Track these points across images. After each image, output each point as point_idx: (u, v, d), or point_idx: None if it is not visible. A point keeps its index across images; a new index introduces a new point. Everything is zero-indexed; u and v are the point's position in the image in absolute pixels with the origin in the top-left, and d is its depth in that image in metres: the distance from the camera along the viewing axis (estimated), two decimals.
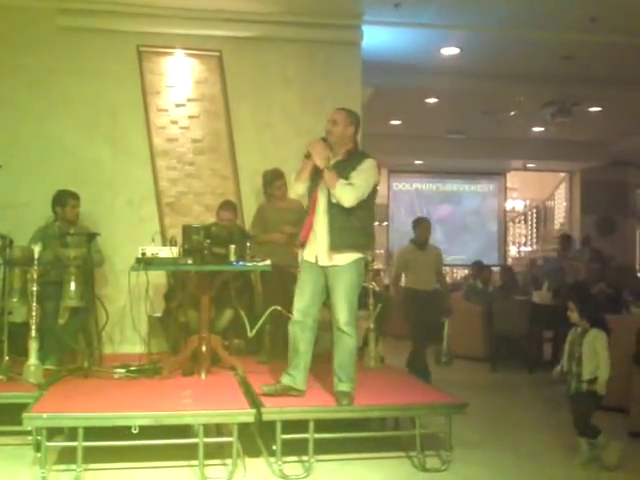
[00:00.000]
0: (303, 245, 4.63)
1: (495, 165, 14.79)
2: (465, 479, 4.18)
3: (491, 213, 15.29)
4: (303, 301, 4.52)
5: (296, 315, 4.53)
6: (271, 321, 5.71)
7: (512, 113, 10.50)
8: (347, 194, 4.33)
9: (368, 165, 4.46)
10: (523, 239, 17.24)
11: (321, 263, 4.47)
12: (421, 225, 7.15)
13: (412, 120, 11.50)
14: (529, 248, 16.88)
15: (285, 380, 4.49)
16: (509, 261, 15.34)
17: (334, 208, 4.41)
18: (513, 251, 16.83)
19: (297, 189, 4.66)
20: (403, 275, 7.25)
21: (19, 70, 6.59)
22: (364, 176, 4.41)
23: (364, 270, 4.64)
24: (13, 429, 4.27)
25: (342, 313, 4.39)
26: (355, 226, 4.42)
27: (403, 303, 6.84)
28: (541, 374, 7.58)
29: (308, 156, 4.50)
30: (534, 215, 16.94)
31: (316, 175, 4.49)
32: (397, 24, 7.31)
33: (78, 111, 6.68)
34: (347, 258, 4.41)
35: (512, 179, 15.91)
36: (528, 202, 17.49)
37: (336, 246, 4.40)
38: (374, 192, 4.54)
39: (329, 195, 4.41)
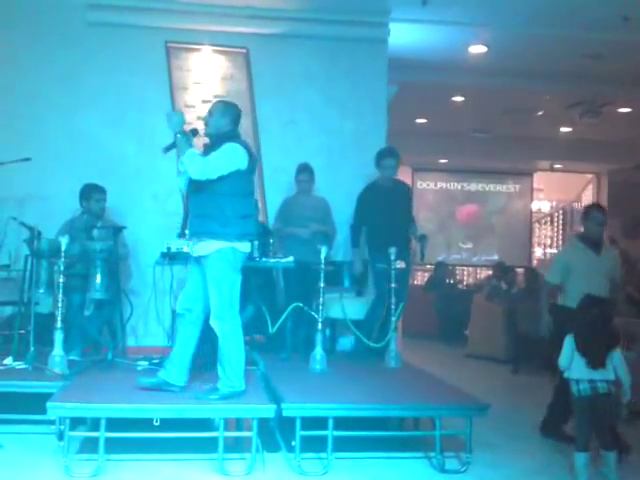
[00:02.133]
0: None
1: (521, 165, 14.65)
2: None
3: (517, 214, 15.14)
4: (185, 294, 4.49)
5: (178, 309, 4.51)
6: (292, 318, 5.74)
7: (540, 113, 10.42)
8: (194, 164, 4.21)
9: (226, 147, 4.32)
10: (549, 241, 17.06)
11: (193, 253, 4.46)
12: (593, 216, 5.09)
13: (438, 118, 11.44)
14: (555, 250, 16.71)
15: (161, 374, 4.45)
16: (534, 263, 15.21)
17: (194, 195, 4.37)
18: (538, 252, 16.67)
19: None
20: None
21: (49, 64, 6.68)
22: (218, 155, 4.29)
23: (237, 260, 4.38)
24: (37, 418, 4.34)
25: (212, 306, 4.31)
26: (211, 213, 4.28)
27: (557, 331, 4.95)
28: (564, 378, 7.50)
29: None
30: (560, 217, 16.76)
31: None
32: (424, 21, 7.29)
33: (106, 106, 6.76)
34: (209, 247, 4.30)
35: (538, 180, 15.74)
36: (554, 203, 17.30)
37: (194, 233, 4.39)
38: (242, 180, 4.37)
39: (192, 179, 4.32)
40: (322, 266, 5.32)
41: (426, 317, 10.19)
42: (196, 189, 4.35)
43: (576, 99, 9.74)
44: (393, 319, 5.64)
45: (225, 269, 4.31)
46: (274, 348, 5.92)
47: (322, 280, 5.32)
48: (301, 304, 5.64)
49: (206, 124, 4.52)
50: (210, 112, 4.52)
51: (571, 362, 4.23)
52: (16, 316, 5.42)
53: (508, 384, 7.60)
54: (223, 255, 4.30)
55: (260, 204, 6.86)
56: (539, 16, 7.12)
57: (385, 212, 6.05)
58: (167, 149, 4.45)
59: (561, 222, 16.74)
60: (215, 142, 4.43)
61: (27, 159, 5.60)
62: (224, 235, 4.29)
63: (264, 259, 5.44)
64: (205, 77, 7.02)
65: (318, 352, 5.29)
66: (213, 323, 4.34)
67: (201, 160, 4.26)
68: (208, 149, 4.43)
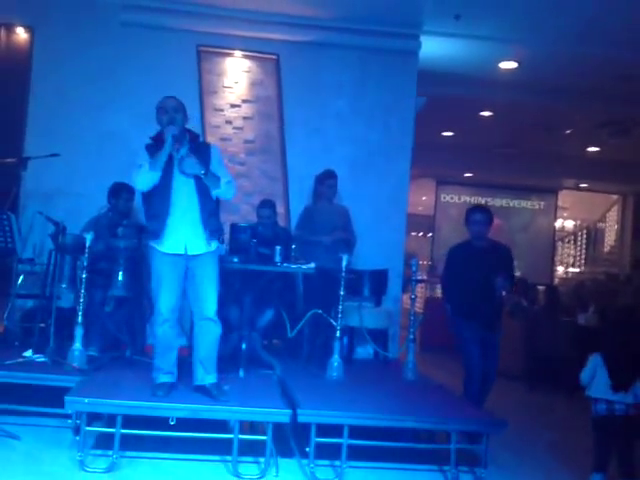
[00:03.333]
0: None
1: (547, 182, 14.57)
2: None
3: (540, 231, 15.05)
4: (173, 297, 4.40)
5: (169, 314, 4.38)
6: (311, 324, 5.75)
7: (568, 131, 10.35)
8: (233, 188, 4.55)
9: (219, 154, 4.63)
10: (571, 259, 16.94)
11: (191, 252, 4.38)
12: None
13: (465, 132, 11.42)
14: (577, 269, 16.58)
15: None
16: (555, 281, 15.09)
17: (200, 195, 4.37)
18: (560, 271, 16.54)
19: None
20: None
21: (81, 63, 6.77)
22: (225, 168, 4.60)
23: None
24: (54, 411, 4.38)
25: (212, 304, 4.36)
26: (216, 213, 4.56)
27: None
28: (580, 398, 7.43)
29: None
30: (584, 236, 16.64)
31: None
32: (456, 35, 7.29)
33: (136, 106, 6.80)
34: (213, 244, 4.46)
35: (564, 198, 15.65)
36: (579, 222, 17.19)
37: (211, 232, 4.43)
38: None
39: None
40: (343, 274, 5.32)
41: (443, 330, 10.11)
42: (199, 190, 4.36)
43: (605, 119, 9.68)
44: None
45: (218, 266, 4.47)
46: (292, 353, 5.93)
47: (342, 288, 5.32)
48: (320, 311, 5.64)
49: (175, 122, 4.41)
50: (176, 109, 4.46)
51: (592, 380, 4.19)
52: (38, 309, 5.47)
53: (524, 402, 7.53)
54: (218, 252, 4.48)
55: (283, 210, 6.90)
56: (572, 34, 7.10)
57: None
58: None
59: (584, 241, 16.62)
60: (189, 139, 4.49)
61: (55, 154, 5.65)
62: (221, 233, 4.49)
63: (285, 264, 5.44)
64: (235, 81, 7.06)
65: (335, 360, 5.29)
66: (212, 321, 4.36)
67: (232, 183, 4.52)
68: (192, 150, 4.41)
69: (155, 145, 4.40)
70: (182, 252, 4.31)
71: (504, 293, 5.28)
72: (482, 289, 5.17)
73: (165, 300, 4.29)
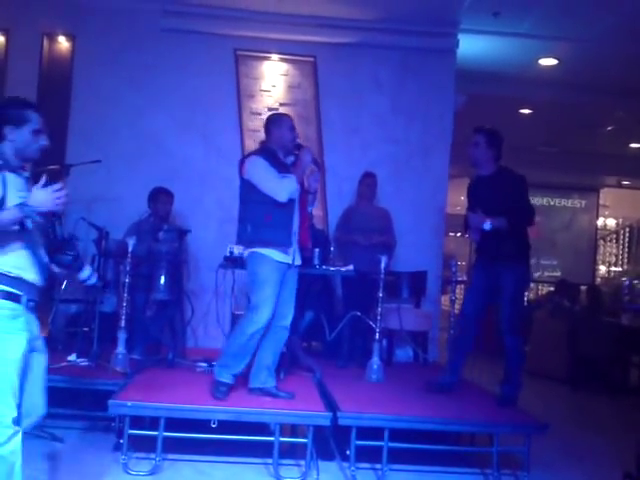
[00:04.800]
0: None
1: (588, 180, 14.32)
2: None
3: (581, 230, 14.80)
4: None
5: (284, 322, 4.59)
6: (350, 327, 5.74)
7: (609, 128, 10.17)
8: None
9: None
10: (613, 258, 16.63)
11: (297, 262, 4.62)
12: None
13: (504, 130, 11.24)
14: (619, 268, 16.28)
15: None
16: (597, 280, 14.84)
17: (297, 210, 4.59)
18: (602, 270, 16.25)
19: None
20: None
21: (121, 67, 6.86)
22: None
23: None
24: (98, 415, 4.45)
25: (290, 311, 4.57)
26: None
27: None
28: (625, 400, 7.32)
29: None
30: (627, 234, 16.32)
31: None
32: (495, 33, 7.22)
33: (175, 110, 6.90)
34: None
35: (605, 196, 15.37)
36: (621, 220, 16.87)
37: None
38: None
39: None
40: (382, 276, 5.31)
41: (483, 332, 10.01)
42: (301, 204, 4.62)
43: None
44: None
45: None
46: (331, 356, 5.93)
47: (381, 290, 5.30)
48: (359, 313, 5.63)
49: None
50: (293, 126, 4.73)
51: None
52: (81, 314, 5.56)
53: (567, 403, 7.42)
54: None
55: (321, 213, 6.90)
56: (612, 31, 6.96)
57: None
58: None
59: (627, 240, 16.31)
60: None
61: (97, 161, 5.73)
62: None
63: (324, 267, 5.45)
64: (272, 85, 7.09)
65: (375, 362, 5.27)
66: (287, 329, 4.57)
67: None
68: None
69: (272, 156, 4.57)
70: (290, 262, 4.50)
71: (488, 227, 4.68)
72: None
73: (269, 307, 4.40)
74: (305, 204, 4.64)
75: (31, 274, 2.79)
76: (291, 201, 4.46)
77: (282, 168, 4.50)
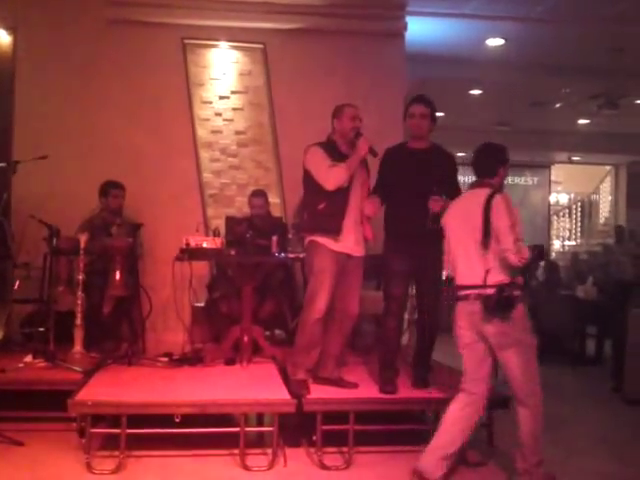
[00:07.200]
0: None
1: (539, 158, 14.57)
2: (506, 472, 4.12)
3: (535, 206, 15.06)
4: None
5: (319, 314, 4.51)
6: None
7: (558, 105, 10.32)
8: None
9: None
10: (567, 233, 16.96)
11: (356, 253, 4.62)
12: None
13: (456, 112, 11.36)
14: (573, 242, 16.62)
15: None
16: (552, 255, 15.12)
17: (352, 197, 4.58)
18: (557, 245, 16.57)
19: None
20: None
21: (67, 60, 6.68)
22: None
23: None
24: (58, 415, 4.35)
25: (355, 302, 4.63)
26: None
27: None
28: (584, 370, 7.49)
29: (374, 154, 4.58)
30: (579, 209, 16.66)
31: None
32: (441, 15, 7.25)
33: (123, 102, 6.75)
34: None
35: (557, 172, 15.65)
36: (572, 195, 17.21)
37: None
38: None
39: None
40: None
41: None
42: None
43: (595, 92, 9.64)
44: None
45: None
46: (294, 343, 5.90)
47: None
48: None
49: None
50: (360, 117, 4.73)
51: None
52: (36, 314, 5.44)
53: None
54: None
55: (279, 200, 6.87)
56: (557, 9, 7.05)
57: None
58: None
59: (579, 214, 16.65)
60: None
61: (44, 157, 5.58)
62: None
63: (283, 255, 5.43)
64: (222, 73, 7.00)
65: None
66: (353, 320, 4.63)
67: None
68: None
69: (330, 146, 4.58)
70: (347, 252, 4.49)
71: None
72: (416, 200, 4.40)
73: (324, 297, 4.41)
74: (367, 194, 4.61)
75: None
76: (344, 190, 4.46)
77: (339, 157, 4.50)
